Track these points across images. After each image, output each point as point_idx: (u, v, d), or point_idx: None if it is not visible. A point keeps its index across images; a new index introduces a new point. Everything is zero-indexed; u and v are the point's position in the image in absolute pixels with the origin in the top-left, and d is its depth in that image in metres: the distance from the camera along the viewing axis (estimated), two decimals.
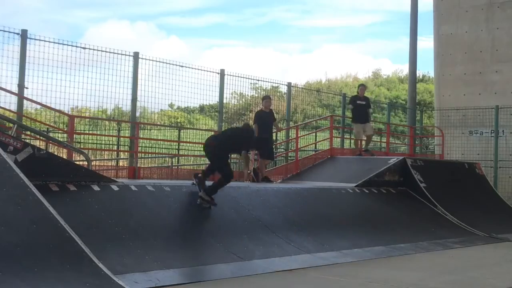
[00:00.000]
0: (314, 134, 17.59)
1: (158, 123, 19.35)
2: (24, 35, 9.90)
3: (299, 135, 14.42)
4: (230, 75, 13.26)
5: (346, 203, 10.33)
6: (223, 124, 14.05)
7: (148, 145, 16.30)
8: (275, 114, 12.22)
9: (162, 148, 16.98)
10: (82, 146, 11.81)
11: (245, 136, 8.49)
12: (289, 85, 15.13)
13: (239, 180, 11.76)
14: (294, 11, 77.19)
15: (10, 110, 9.80)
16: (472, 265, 8.15)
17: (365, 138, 14.21)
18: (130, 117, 11.74)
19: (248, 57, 67.33)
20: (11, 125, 8.75)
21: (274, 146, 15.72)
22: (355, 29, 76.43)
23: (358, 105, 13.96)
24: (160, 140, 17.06)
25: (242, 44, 76.14)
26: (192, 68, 12.41)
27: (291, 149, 15.01)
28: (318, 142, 16.90)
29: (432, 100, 31.22)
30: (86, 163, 9.51)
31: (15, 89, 9.79)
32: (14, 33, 9.82)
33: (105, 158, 18.26)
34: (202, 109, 27.50)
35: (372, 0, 74.67)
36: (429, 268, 7.62)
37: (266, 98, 11.79)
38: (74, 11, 70.06)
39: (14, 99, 9.85)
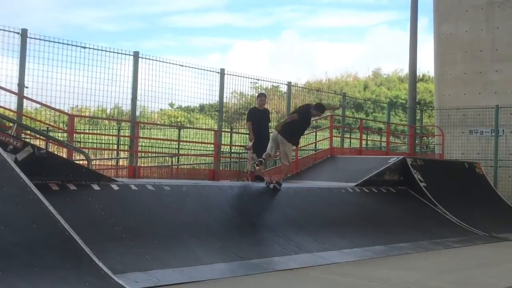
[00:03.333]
0: (314, 133, 17.60)
1: (158, 122, 19.35)
2: (24, 34, 9.89)
3: None
4: (230, 74, 13.25)
5: (346, 203, 10.33)
6: (223, 123, 14.04)
7: (148, 145, 16.32)
8: (271, 113, 12.10)
9: (162, 147, 16.99)
10: (82, 146, 11.84)
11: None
12: (289, 85, 15.12)
13: (239, 180, 11.77)
14: (299, 11, 77.16)
15: (10, 109, 9.80)
16: (472, 265, 8.15)
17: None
18: (130, 117, 11.73)
19: (251, 57, 67.30)
20: (11, 124, 8.75)
21: None
22: (357, 29, 76.41)
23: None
24: (160, 139, 17.07)
25: (247, 43, 76.04)
26: (192, 67, 12.41)
27: None
28: (318, 141, 16.90)
29: (432, 100, 31.22)
30: (86, 163, 9.50)
31: (15, 88, 9.79)
32: (15, 32, 9.81)
33: (105, 157, 18.27)
34: (202, 108, 27.49)
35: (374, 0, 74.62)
36: (429, 268, 7.62)
37: (261, 96, 11.74)
38: (81, 10, 69.94)
39: (14, 98, 9.84)
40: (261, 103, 11.48)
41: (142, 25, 72.23)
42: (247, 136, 12.30)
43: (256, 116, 11.33)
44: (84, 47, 10.65)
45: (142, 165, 15.61)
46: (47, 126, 13.08)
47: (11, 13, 58.02)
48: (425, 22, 63.65)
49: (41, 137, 10.73)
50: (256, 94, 12.98)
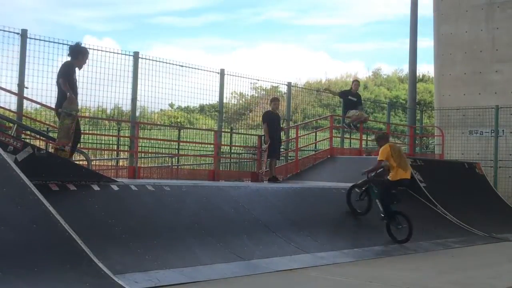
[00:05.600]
0: (314, 133, 17.59)
1: (158, 122, 19.34)
2: (24, 35, 9.89)
3: (299, 135, 14.42)
4: (230, 74, 13.24)
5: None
6: (223, 123, 14.03)
7: (148, 145, 16.30)
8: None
9: (162, 147, 16.98)
10: (82, 146, 11.79)
11: None
12: (289, 85, 15.12)
13: (239, 180, 11.77)
14: (290, 11, 77.21)
15: (10, 110, 9.79)
16: (472, 265, 8.15)
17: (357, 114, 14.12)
18: (130, 117, 11.73)
19: (246, 57, 67.33)
20: (11, 125, 8.75)
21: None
22: (357, 29, 76.45)
23: (349, 100, 14.16)
24: (160, 139, 17.06)
25: (240, 43, 76.14)
26: (192, 67, 12.40)
27: (291, 148, 15.01)
28: (318, 141, 16.90)
29: (432, 100, 31.21)
30: (86, 163, 9.50)
31: (15, 88, 9.79)
32: (14, 32, 9.80)
33: (105, 157, 18.25)
34: (202, 108, 27.50)
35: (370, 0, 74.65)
36: (429, 268, 7.63)
37: (275, 100, 12.07)
38: (72, 10, 69.98)
39: (14, 98, 9.84)
40: (275, 106, 11.90)
41: (141, 25, 72.30)
42: (247, 136, 12.33)
43: (272, 119, 11.58)
44: (84, 47, 10.62)
45: (142, 165, 15.61)
46: (47, 126, 13.06)
47: (5, 13, 57.89)
48: (425, 23, 63.79)
49: (41, 137, 10.72)
50: (256, 94, 13.07)
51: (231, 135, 15.88)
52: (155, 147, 16.79)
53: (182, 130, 18.52)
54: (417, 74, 22.21)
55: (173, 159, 17.48)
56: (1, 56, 9.69)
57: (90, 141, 14.83)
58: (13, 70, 9.80)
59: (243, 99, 18.64)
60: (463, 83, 18.03)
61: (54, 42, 10.27)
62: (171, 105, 23.83)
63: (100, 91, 10.90)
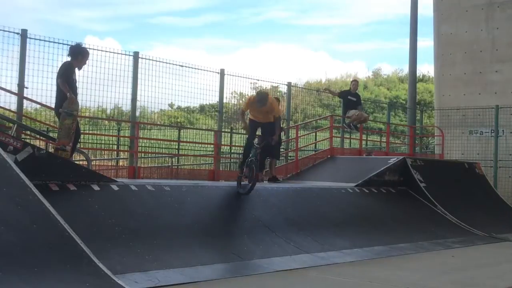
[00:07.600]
0: (314, 133, 17.59)
1: (158, 122, 19.34)
2: (24, 35, 9.89)
3: (299, 135, 14.42)
4: (230, 74, 13.24)
5: (346, 203, 10.33)
6: (223, 123, 14.03)
7: (148, 145, 16.31)
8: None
9: (162, 147, 16.98)
10: (82, 146, 11.81)
11: None
12: (289, 85, 15.12)
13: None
14: (290, 11, 77.26)
15: (10, 110, 9.79)
16: (472, 265, 8.15)
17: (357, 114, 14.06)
18: (130, 117, 11.73)
19: (247, 57, 67.36)
20: (11, 124, 8.75)
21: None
22: (356, 29, 76.45)
23: (349, 100, 14.16)
24: (160, 140, 17.07)
25: (240, 44, 76.16)
26: (192, 67, 12.41)
27: (291, 148, 15.01)
28: (318, 141, 16.90)
29: (432, 100, 31.21)
30: (86, 163, 9.50)
31: (15, 88, 9.79)
32: (14, 32, 9.81)
33: (105, 157, 18.26)
34: (202, 108, 27.51)
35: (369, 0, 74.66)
36: (429, 268, 7.63)
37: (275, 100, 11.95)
38: (72, 10, 69.99)
39: (14, 98, 9.84)
40: None
41: (141, 25, 72.30)
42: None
43: None
44: (84, 48, 10.62)
45: (142, 165, 15.61)
46: (47, 126, 13.07)
47: (4, 13, 57.87)
48: (425, 23, 63.77)
49: (41, 137, 10.72)
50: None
51: (231, 135, 15.88)
52: (155, 147, 16.80)
53: (182, 130, 18.52)
54: (417, 74, 22.21)
55: (173, 159, 17.48)
56: (1, 56, 9.70)
57: (90, 141, 14.84)
58: (13, 70, 9.81)
59: (243, 99, 18.61)
60: (463, 83, 18.03)
61: (54, 42, 10.27)
62: (171, 105, 23.83)
63: (100, 91, 10.92)
